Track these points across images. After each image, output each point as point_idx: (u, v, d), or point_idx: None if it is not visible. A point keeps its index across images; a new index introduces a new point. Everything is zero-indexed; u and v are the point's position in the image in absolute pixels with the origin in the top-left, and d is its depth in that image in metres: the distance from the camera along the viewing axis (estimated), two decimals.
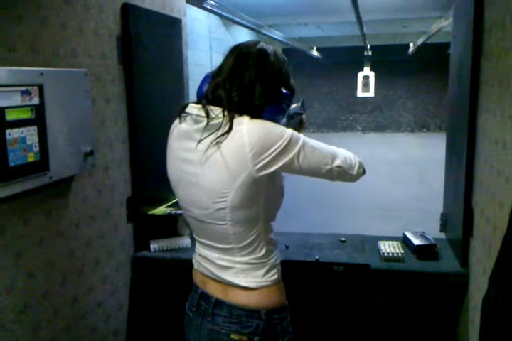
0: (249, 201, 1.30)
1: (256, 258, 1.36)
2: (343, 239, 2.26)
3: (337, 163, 1.38)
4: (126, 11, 2.07)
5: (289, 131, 1.31)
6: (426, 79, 16.72)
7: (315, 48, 13.69)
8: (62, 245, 1.74)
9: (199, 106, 1.34)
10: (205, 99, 1.35)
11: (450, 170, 2.30)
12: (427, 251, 2.06)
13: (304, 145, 1.32)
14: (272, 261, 1.39)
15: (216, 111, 1.30)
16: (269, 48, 1.40)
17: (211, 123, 1.29)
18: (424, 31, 10.21)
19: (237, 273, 1.36)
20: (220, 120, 1.28)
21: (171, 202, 2.42)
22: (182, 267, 1.69)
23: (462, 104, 1.97)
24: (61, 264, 1.73)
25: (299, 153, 1.30)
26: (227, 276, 1.37)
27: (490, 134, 1.70)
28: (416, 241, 2.11)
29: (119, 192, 2.11)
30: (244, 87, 1.32)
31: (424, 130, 17.04)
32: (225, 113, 1.29)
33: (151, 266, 2.21)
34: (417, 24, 9.63)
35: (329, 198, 7.34)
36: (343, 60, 15.56)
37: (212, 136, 1.28)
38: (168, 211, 2.31)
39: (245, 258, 1.36)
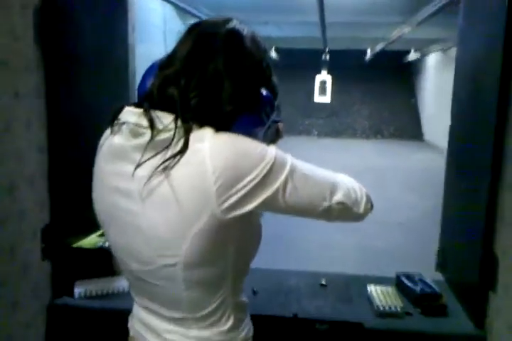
0: (213, 254, 0.88)
1: (220, 333, 0.95)
2: (323, 283, 1.79)
3: (338, 197, 0.95)
4: None
5: (272, 151, 0.87)
6: (381, 86, 16.77)
7: (273, 49, 13.32)
8: None
9: (140, 110, 0.88)
10: (148, 100, 0.89)
11: (454, 195, 1.88)
12: (431, 303, 1.62)
13: (292, 172, 0.88)
14: (242, 334, 0.99)
15: (165, 119, 0.86)
16: (245, 29, 0.96)
17: (157, 138, 0.85)
18: (383, 37, 10.06)
19: None
20: (171, 133, 0.84)
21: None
22: (115, 321, 1.25)
23: (482, 114, 1.57)
24: None
25: (285, 184, 0.87)
26: None
27: None
28: (417, 289, 1.67)
29: (30, 221, 1.55)
30: (207, 83, 0.88)
31: (379, 136, 17.01)
32: (178, 123, 0.85)
33: (73, 318, 1.66)
34: (377, 29, 9.47)
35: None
36: (300, 63, 15.29)
37: (159, 158, 0.84)
38: (101, 243, 1.77)
39: (205, 333, 0.95)
